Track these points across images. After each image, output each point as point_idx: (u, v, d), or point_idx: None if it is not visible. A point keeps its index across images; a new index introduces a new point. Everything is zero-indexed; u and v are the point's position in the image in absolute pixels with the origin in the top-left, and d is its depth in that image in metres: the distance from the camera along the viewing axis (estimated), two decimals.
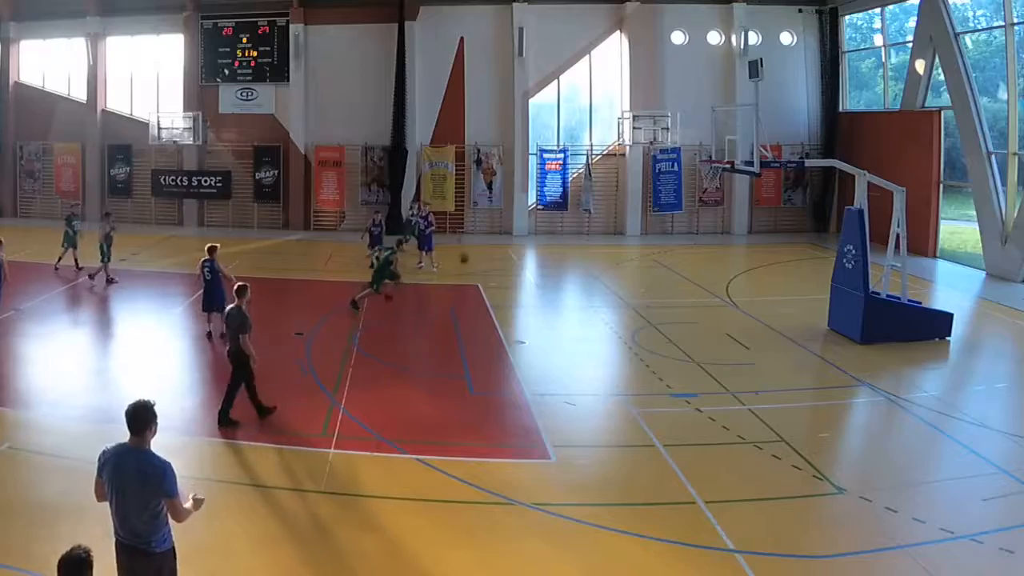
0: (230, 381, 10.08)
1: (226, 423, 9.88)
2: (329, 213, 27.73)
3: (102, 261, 18.18)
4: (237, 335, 9.85)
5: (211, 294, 13.88)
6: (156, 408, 5.17)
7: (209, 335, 13.90)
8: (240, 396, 10.01)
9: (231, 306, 10.18)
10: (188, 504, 5.23)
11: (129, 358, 13.19)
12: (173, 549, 5.22)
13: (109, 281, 18.13)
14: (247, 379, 10.04)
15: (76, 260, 19.12)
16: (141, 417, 5.07)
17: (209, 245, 14.20)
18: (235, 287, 10.38)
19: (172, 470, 5.06)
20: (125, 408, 5.19)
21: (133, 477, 4.99)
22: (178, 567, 5.30)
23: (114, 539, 5.12)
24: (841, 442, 10.33)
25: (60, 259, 19.40)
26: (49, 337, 13.99)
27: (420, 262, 20.47)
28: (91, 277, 18.21)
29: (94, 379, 12.12)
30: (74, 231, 19.31)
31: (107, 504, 5.15)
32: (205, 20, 27.74)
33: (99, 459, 5.17)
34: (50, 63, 29.01)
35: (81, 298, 17.29)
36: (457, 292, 17.56)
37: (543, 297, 17.43)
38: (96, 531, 5.74)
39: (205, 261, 13.93)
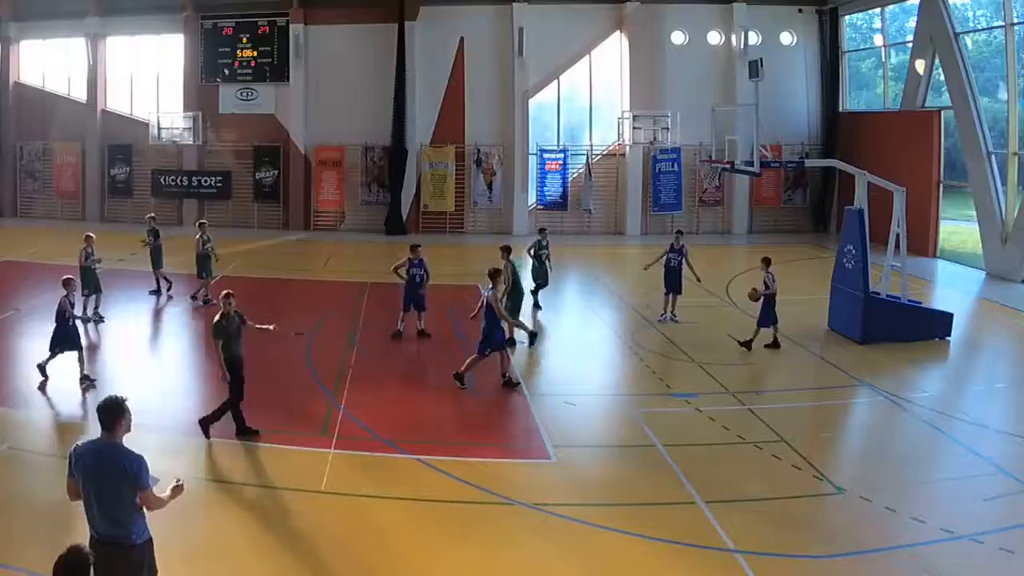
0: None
1: (243, 433, 9.44)
2: (329, 213, 27.74)
3: (201, 277, 16.52)
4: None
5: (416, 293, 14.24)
6: (127, 404, 5.20)
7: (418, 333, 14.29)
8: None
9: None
10: (166, 494, 5.26)
11: (129, 358, 13.20)
12: (151, 540, 5.26)
13: (206, 302, 15.96)
14: (234, 390, 9.43)
15: (159, 279, 17.16)
16: (111, 412, 5.12)
17: (412, 243, 14.55)
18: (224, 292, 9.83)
19: (145, 462, 5.12)
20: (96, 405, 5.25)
21: (109, 471, 5.03)
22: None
23: (90, 537, 5.08)
24: (841, 442, 10.34)
25: (159, 282, 17.19)
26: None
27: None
28: (194, 298, 16.60)
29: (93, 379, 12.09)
30: (158, 243, 17.11)
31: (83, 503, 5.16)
32: (205, 20, 27.76)
33: (70, 457, 5.17)
34: (50, 63, 29.02)
35: (79, 300, 17.25)
36: (457, 292, 17.54)
37: (543, 297, 17.38)
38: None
39: (415, 260, 14.08)
